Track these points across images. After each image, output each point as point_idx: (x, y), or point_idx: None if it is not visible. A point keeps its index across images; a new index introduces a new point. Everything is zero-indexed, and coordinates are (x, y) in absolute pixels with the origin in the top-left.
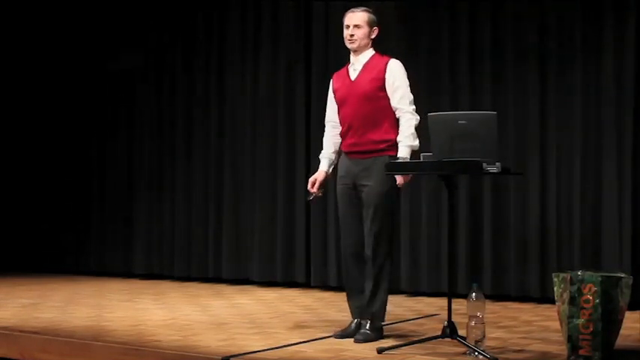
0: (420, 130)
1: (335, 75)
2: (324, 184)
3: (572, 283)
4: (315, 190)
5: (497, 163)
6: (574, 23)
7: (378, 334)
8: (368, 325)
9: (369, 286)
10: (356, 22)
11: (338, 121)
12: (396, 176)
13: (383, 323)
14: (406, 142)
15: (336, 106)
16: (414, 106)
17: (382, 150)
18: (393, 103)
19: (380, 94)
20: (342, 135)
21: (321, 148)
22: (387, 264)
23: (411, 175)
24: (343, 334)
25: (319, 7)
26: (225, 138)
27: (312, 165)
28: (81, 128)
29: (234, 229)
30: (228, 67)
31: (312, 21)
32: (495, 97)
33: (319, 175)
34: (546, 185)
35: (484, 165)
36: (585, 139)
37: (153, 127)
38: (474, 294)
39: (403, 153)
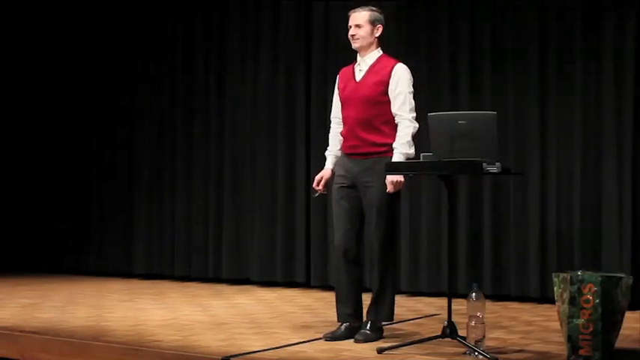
0: (420, 130)
1: (342, 71)
2: (329, 182)
3: (572, 283)
4: (321, 188)
5: (497, 163)
6: (574, 23)
7: (378, 334)
8: (368, 325)
9: (374, 287)
10: (357, 21)
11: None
12: (387, 183)
13: (384, 323)
14: (401, 149)
15: (340, 104)
16: (414, 114)
17: (383, 152)
18: (394, 109)
19: (383, 99)
20: (344, 135)
21: (325, 146)
22: (392, 265)
23: (403, 183)
24: (333, 337)
25: (319, 7)
26: (225, 138)
27: (312, 165)
28: (81, 128)
29: (234, 229)
30: (228, 67)
31: (312, 21)
32: (495, 97)
33: (325, 173)
34: (546, 185)
35: (484, 165)
36: (585, 139)
37: (153, 127)
38: (474, 294)
39: (397, 160)
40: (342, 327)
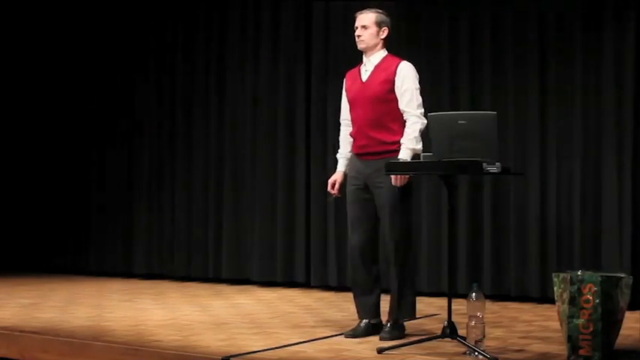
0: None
1: (348, 74)
2: (343, 185)
3: (572, 283)
4: (335, 191)
5: (497, 163)
6: (574, 23)
7: (401, 331)
8: (392, 323)
9: (393, 285)
10: (363, 22)
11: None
12: (392, 177)
13: (406, 320)
14: (408, 144)
15: (348, 106)
16: (421, 110)
17: (393, 151)
18: (401, 106)
19: (390, 97)
20: (353, 136)
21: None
22: (408, 262)
23: (407, 177)
24: (354, 334)
25: (319, 7)
26: (225, 138)
27: (313, 165)
28: (81, 128)
29: (234, 229)
30: (228, 67)
31: (312, 21)
32: (495, 97)
33: (338, 176)
34: (546, 185)
35: (484, 165)
36: (585, 139)
37: (153, 127)
38: (474, 294)
39: (404, 155)
40: (362, 324)
